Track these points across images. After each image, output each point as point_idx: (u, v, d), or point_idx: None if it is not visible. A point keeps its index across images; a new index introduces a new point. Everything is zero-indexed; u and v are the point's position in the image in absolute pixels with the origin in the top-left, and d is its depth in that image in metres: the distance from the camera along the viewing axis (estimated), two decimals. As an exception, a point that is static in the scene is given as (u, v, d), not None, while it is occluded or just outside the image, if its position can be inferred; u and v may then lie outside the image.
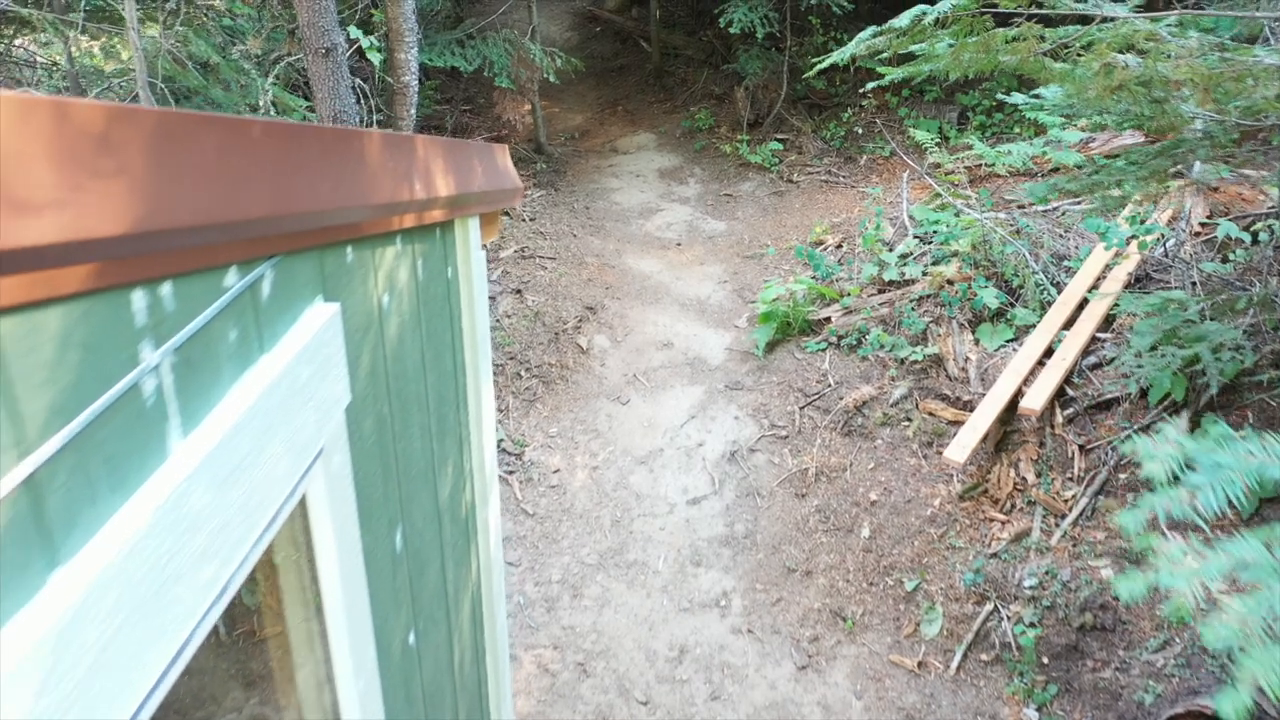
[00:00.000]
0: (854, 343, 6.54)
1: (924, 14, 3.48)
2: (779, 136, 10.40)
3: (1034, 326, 6.02)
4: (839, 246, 8.00)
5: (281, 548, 1.37)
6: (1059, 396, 5.44)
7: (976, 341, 6.13)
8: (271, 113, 5.25)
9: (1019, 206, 7.63)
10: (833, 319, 6.79)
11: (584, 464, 6.36)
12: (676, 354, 7.24)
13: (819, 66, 4.17)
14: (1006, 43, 3.19)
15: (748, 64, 10.21)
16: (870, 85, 5.00)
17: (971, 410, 5.71)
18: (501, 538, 2.88)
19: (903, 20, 3.50)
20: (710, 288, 8.03)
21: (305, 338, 1.31)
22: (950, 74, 3.73)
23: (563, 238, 8.76)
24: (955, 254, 6.45)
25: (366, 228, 1.59)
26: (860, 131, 10.08)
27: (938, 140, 9.72)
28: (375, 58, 6.36)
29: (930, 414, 5.85)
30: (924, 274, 6.80)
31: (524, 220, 8.97)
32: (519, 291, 7.76)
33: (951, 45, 3.47)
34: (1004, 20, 3.52)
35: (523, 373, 7.11)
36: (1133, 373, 4.73)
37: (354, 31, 6.31)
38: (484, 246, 2.56)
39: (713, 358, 7.11)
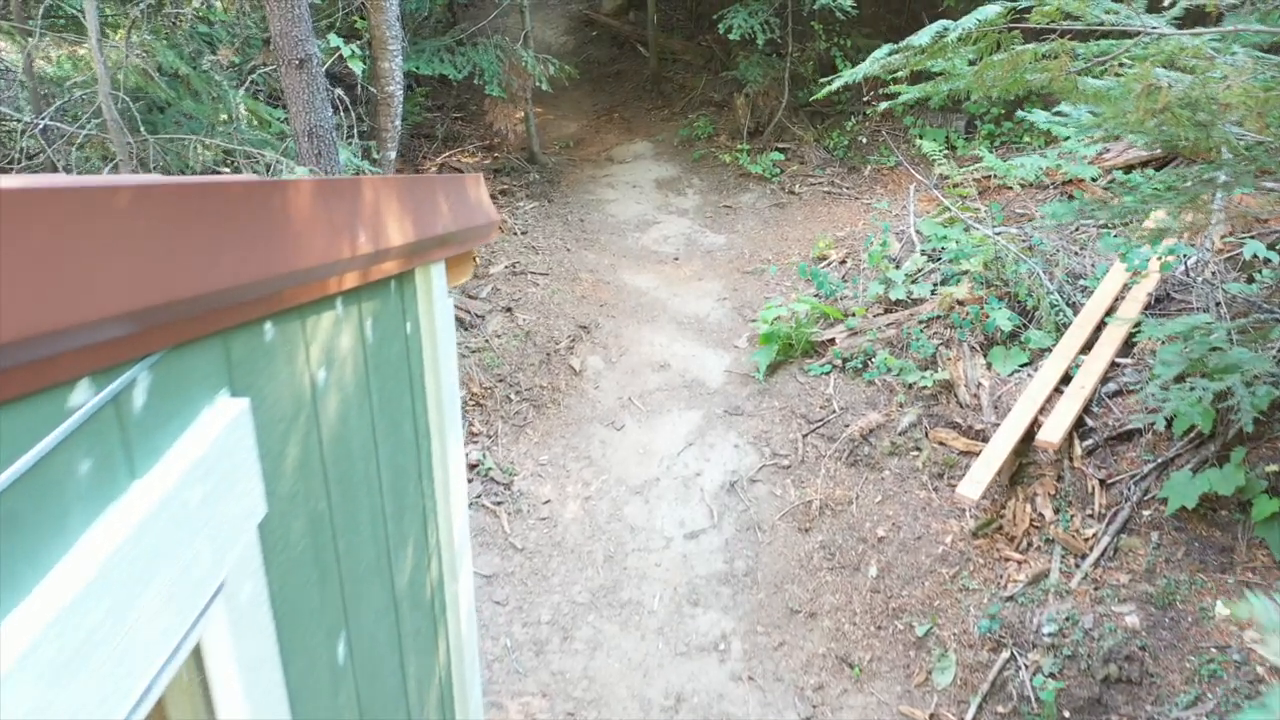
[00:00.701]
0: (859, 366, 6.30)
1: (946, 30, 3.24)
2: (780, 146, 10.17)
3: (1049, 350, 5.78)
4: (843, 262, 7.76)
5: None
6: (1078, 427, 5.20)
7: (989, 366, 5.89)
8: (244, 126, 5.01)
9: (1030, 220, 7.40)
10: (837, 340, 6.54)
11: (576, 494, 6.11)
12: (674, 376, 7.00)
13: (828, 89, 3.92)
14: (1035, 60, 2.95)
15: (748, 71, 9.98)
16: (883, 105, 4.76)
17: (984, 440, 5.46)
18: (474, 610, 2.62)
19: (923, 38, 3.26)
20: (709, 305, 7.79)
21: (200, 448, 1.06)
22: (971, 93, 3.49)
23: (555, 252, 8.52)
24: (966, 274, 6.20)
25: (292, 296, 1.34)
26: (864, 141, 9.85)
27: (945, 150, 9.49)
28: (357, 67, 6.13)
29: (941, 443, 5.61)
30: (932, 293, 6.56)
31: (515, 234, 8.73)
32: (509, 310, 7.52)
33: (974, 63, 3.23)
34: (1032, 36, 3.29)
35: (512, 396, 6.86)
36: (1159, 406, 4.48)
37: (334, 40, 6.08)
38: (452, 291, 2.32)
39: (711, 380, 6.87)
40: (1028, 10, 3.20)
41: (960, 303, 6.09)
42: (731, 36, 9.03)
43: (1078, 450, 5.11)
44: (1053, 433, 4.97)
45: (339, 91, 6.36)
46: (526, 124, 10.44)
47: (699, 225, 9.14)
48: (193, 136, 4.92)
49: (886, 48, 3.56)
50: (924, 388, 5.84)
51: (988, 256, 6.15)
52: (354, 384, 1.62)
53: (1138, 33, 2.83)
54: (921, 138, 9.65)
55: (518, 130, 10.50)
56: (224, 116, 5.18)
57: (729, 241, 8.76)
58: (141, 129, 4.86)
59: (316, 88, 4.92)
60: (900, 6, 11.49)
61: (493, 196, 9.39)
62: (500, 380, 6.95)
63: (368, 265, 1.60)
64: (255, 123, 5.40)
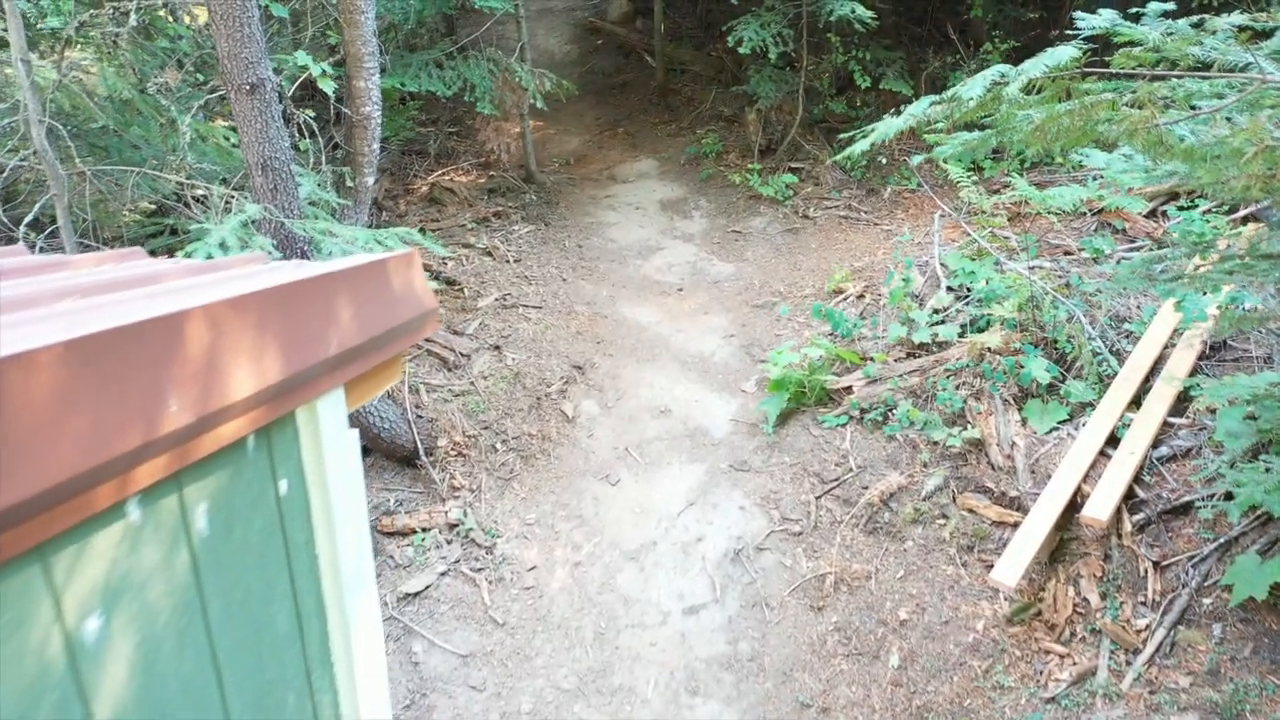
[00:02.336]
0: (879, 418, 5.82)
1: (1004, 79, 2.77)
2: (793, 165, 9.72)
3: (1092, 405, 5.30)
4: (861, 297, 7.29)
5: None
6: (1127, 498, 4.71)
7: (1024, 422, 5.41)
8: (190, 156, 4.58)
9: (1067, 253, 6.92)
10: (854, 389, 6.07)
11: (565, 559, 5.65)
12: (675, 423, 6.53)
13: (852, 151, 3.43)
14: (1113, 110, 2.50)
15: (759, 85, 9.53)
16: (917, 158, 4.28)
17: (1020, 509, 4.98)
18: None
19: (974, 89, 2.80)
20: (714, 342, 7.33)
21: None
22: (1029, 148, 3.03)
23: (550, 282, 8.08)
24: (1000, 321, 5.72)
25: (15, 540, 0.89)
26: (884, 161, 9.38)
27: (971, 170, 9.02)
28: (329, 87, 5.72)
29: (970, 511, 5.12)
30: (960, 336, 6.08)
31: (508, 262, 8.30)
32: (498, 348, 7.08)
33: (1031, 115, 2.77)
34: (1106, 81, 2.83)
35: (499, 445, 6.41)
36: (1220, 476, 3.99)
37: (302, 58, 5.67)
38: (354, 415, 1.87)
39: (716, 429, 6.40)
40: (1107, 51, 2.76)
41: (991, 350, 5.61)
42: (741, 51, 8.58)
43: (1127, 526, 4.61)
44: (1100, 508, 4.48)
45: (307, 114, 5.95)
46: (523, 141, 10.01)
47: (705, 252, 8.68)
48: (135, 169, 4.50)
49: (926, 100, 3.10)
50: (951, 446, 5.36)
51: (1022, 299, 5.67)
52: (169, 607, 1.16)
53: (1261, 81, 2.37)
54: (946, 159, 9.18)
55: (513, 148, 10.08)
56: (175, 144, 4.76)
57: (737, 271, 8.30)
58: (77, 159, 4.44)
59: (271, 115, 4.49)
60: (923, 15, 11.05)
61: (486, 219, 8.98)
62: (485, 428, 6.50)
63: (188, 440, 1.15)
64: (203, 153, 4.98)
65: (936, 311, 6.41)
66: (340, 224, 5.00)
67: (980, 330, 6.14)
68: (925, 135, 3.82)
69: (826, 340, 6.58)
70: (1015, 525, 4.93)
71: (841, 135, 4.02)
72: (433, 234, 8.86)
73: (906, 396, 5.85)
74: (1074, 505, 4.74)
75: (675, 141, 11.16)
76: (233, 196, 4.57)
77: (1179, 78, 2.61)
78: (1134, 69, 2.67)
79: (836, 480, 5.62)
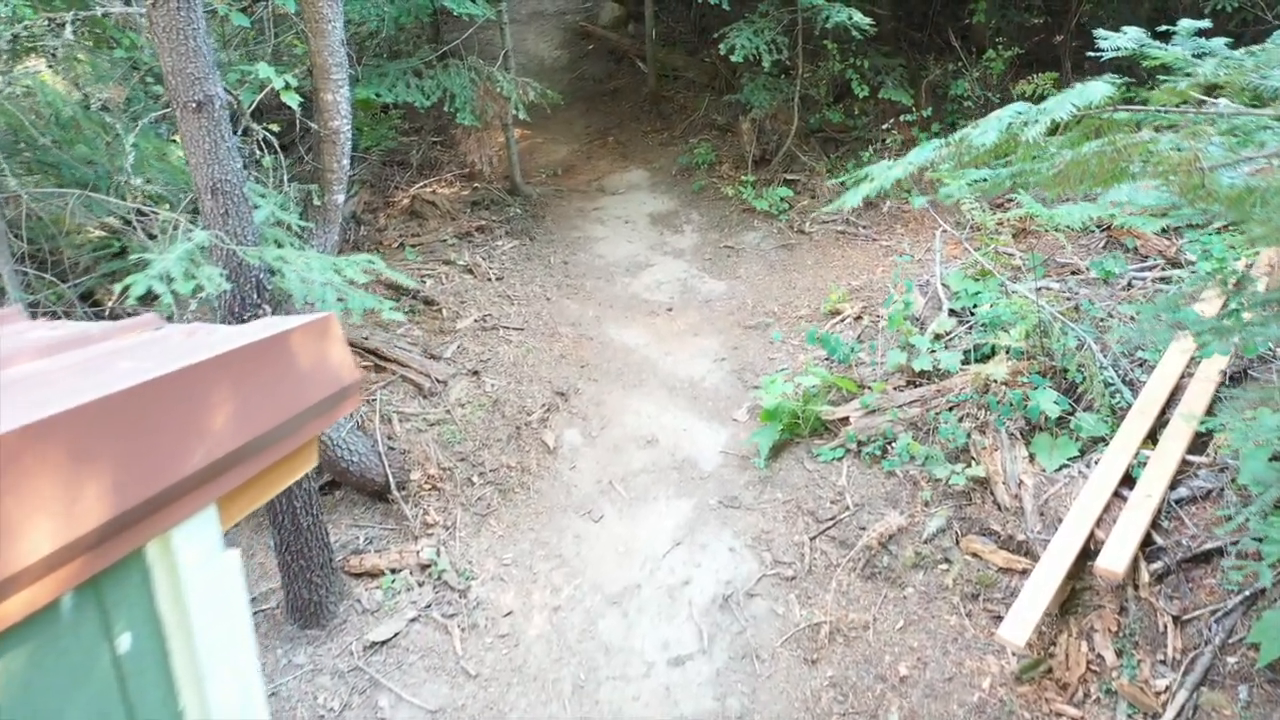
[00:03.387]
0: (877, 452, 5.55)
1: (1024, 119, 2.48)
2: (789, 177, 9.45)
3: (1104, 441, 5.02)
4: (858, 318, 7.02)
5: None
6: (1145, 544, 4.43)
7: (1032, 458, 5.13)
8: (136, 178, 4.30)
9: (1075, 273, 6.65)
10: (851, 419, 5.79)
11: (543, 603, 5.36)
12: (662, 454, 6.25)
13: (845, 201, 3.07)
14: (1148, 152, 2.22)
15: (753, 94, 9.26)
16: (920, 200, 4.00)
17: (1028, 555, 4.71)
18: None
19: (987, 134, 2.50)
20: (705, 366, 7.05)
21: None
22: (1050, 191, 2.76)
23: (534, 301, 7.80)
24: (1005, 350, 5.45)
25: None
26: (883, 174, 9.10)
27: (974, 180, 8.76)
28: (292, 101, 5.44)
29: (975, 555, 4.84)
30: (963, 363, 5.81)
31: (489, 280, 8.02)
32: (476, 373, 6.80)
33: (1054, 157, 2.49)
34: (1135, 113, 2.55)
35: (475, 478, 6.13)
36: (1259, 540, 3.72)
37: (264, 70, 5.39)
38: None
39: (705, 461, 6.12)
40: (1131, 73, 2.48)
41: (996, 381, 5.34)
42: (734, 59, 8.31)
43: (1145, 576, 4.33)
44: (1115, 558, 4.20)
45: (270, 129, 5.67)
46: (508, 152, 9.74)
47: (696, 269, 8.41)
48: (78, 190, 4.22)
49: (933, 144, 2.81)
50: (954, 484, 5.08)
51: (1029, 326, 5.40)
52: None
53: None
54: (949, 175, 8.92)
55: (496, 160, 9.80)
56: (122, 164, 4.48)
57: (729, 289, 8.02)
58: (12, 182, 4.16)
59: (220, 135, 4.21)
60: (922, 20, 10.80)
61: (468, 234, 8.71)
62: (462, 459, 6.22)
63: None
64: (165, 170, 4.70)
65: (938, 337, 6.13)
66: (298, 249, 4.72)
67: (984, 358, 5.87)
68: (931, 173, 3.53)
69: (822, 368, 6.30)
70: (1023, 572, 4.66)
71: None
72: (412, 249, 8.59)
73: (906, 429, 5.58)
74: (1087, 551, 4.46)
75: (667, 151, 10.90)
76: (179, 222, 4.29)
77: (1228, 116, 2.33)
78: (1178, 105, 2.39)
79: (832, 520, 5.34)
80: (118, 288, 3.83)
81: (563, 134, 11.90)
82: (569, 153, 11.38)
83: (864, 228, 8.62)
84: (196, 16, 4.00)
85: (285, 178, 5.37)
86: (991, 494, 5.06)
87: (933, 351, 5.96)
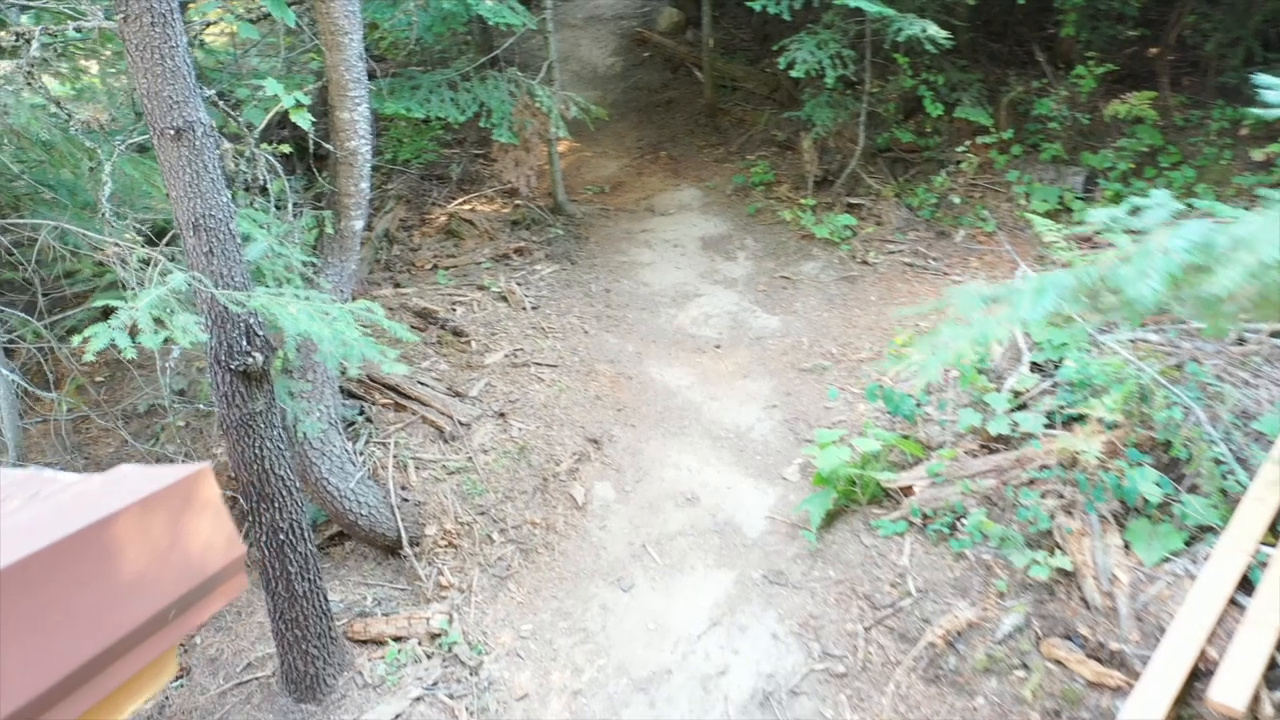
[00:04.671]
0: (945, 529, 4.95)
1: (1204, 255, 1.91)
2: (852, 201, 8.85)
3: (1214, 531, 4.37)
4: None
5: None
6: (1269, 668, 3.78)
7: (1127, 547, 4.49)
8: (107, 210, 3.90)
9: (1177, 322, 5.96)
10: (915, 489, 5.20)
11: (562, 685, 4.87)
12: (702, 515, 5.72)
13: (926, 373, 2.47)
14: None
15: (815, 111, 8.69)
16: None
17: (1123, 668, 4.08)
18: None
19: (1144, 285, 1.91)
20: (754, 414, 6.50)
21: None
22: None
23: (570, 334, 7.32)
24: (1098, 420, 4.81)
25: None
26: (957, 201, 8.46)
27: (1058, 209, 8.10)
28: (304, 121, 5.04)
29: (1058, 663, 4.23)
30: (1046, 427, 5.19)
31: (524, 309, 7.56)
32: (503, 415, 6.34)
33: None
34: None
35: (495, 535, 5.67)
36: None
37: (273, 86, 5.00)
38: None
39: (750, 526, 5.58)
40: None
41: (1086, 454, 4.70)
42: (794, 74, 7.75)
43: (1268, 709, 3.68)
44: (1233, 690, 3.56)
45: (282, 149, 5.28)
46: (551, 167, 9.29)
47: (749, 301, 7.86)
48: (49, 222, 3.84)
49: (1056, 283, 2.23)
50: (1035, 576, 4.47)
51: (1127, 393, 4.76)
52: None
53: None
54: (1028, 197, 8.27)
55: (538, 177, 9.36)
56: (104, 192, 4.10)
57: (784, 325, 7.45)
58: (-18, 216, 3.80)
59: (203, 165, 3.80)
60: (1002, 31, 10.12)
61: (505, 256, 8.30)
62: (482, 513, 5.76)
63: None
64: (126, 203, 4.32)
65: (1017, 394, 5.51)
66: (296, 289, 4.30)
67: (1070, 420, 5.24)
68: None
69: (883, 426, 5.72)
70: (1116, 690, 4.03)
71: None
72: (445, 271, 8.18)
73: (979, 503, 4.97)
74: (1195, 671, 3.83)
75: (722, 169, 10.36)
76: (158, 260, 3.88)
77: None
78: None
79: (891, 607, 4.75)
80: (75, 340, 3.43)
81: (613, 147, 11.44)
82: (618, 168, 10.90)
83: (934, 259, 7.99)
84: (175, 33, 3.59)
85: (291, 204, 4.96)
86: (1079, 589, 4.43)
87: (1011, 411, 5.34)
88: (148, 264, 3.89)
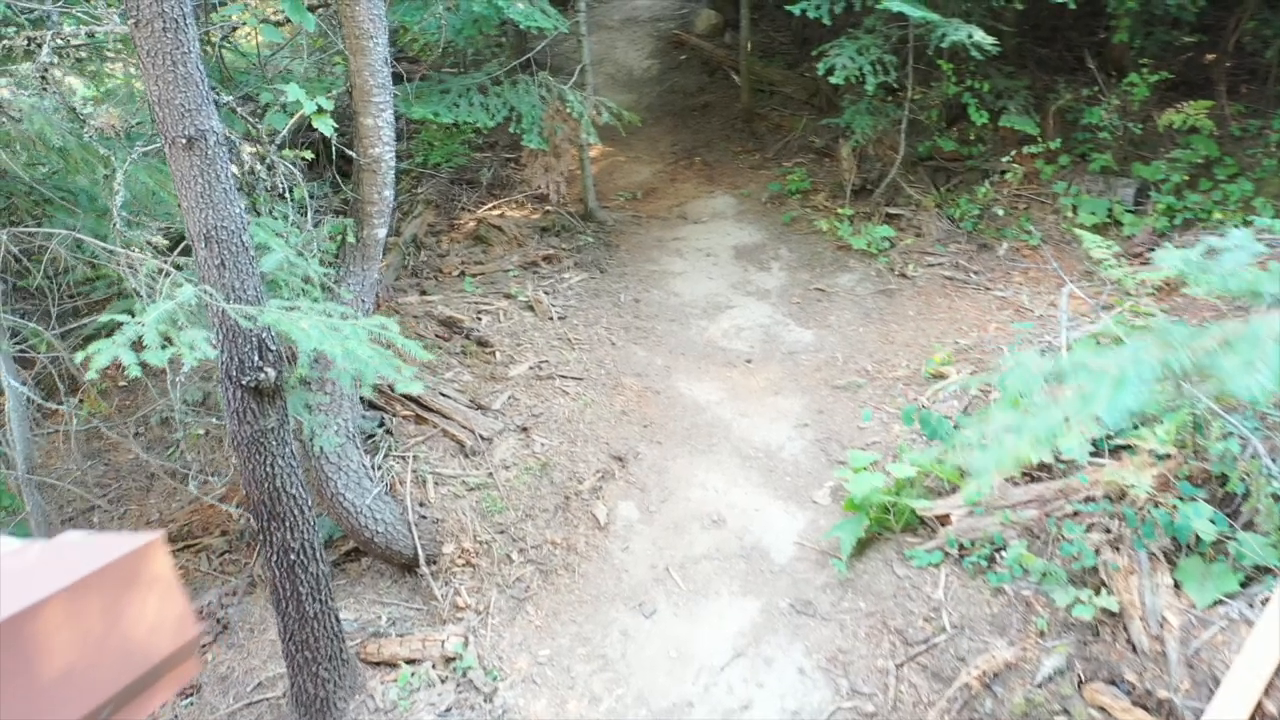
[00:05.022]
0: (982, 561, 4.75)
1: None
2: (891, 211, 8.64)
3: (1272, 573, 4.13)
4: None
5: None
6: (1328, 728, 3.55)
7: (1177, 587, 4.27)
8: (119, 219, 3.82)
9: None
10: (952, 518, 5.00)
11: (579, 716, 4.73)
12: (728, 538, 5.56)
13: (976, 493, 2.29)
14: None
15: (855, 118, 8.49)
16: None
17: (1170, 719, 3.86)
18: None
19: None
20: (784, 432, 6.32)
21: None
22: None
23: (597, 346, 7.18)
24: (1149, 452, 4.59)
25: None
26: (1001, 213, 8.22)
27: (1107, 222, 7.84)
28: (326, 127, 4.95)
29: (1102, 710, 4.01)
30: (1092, 454, 4.97)
31: (550, 319, 7.44)
32: (526, 430, 6.21)
33: None
34: None
35: (515, 555, 5.54)
36: None
37: (294, 91, 4.91)
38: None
39: (778, 551, 5.40)
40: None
41: (1135, 487, 4.48)
42: (833, 80, 7.56)
43: (1330, 770, 3.46)
44: (1293, 751, 3.34)
45: (304, 156, 5.19)
46: (582, 174, 9.17)
47: (782, 314, 7.68)
48: (60, 230, 3.77)
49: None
50: (1078, 615, 4.26)
51: (1180, 424, 4.53)
52: None
53: None
54: (1076, 209, 8.01)
55: (568, 183, 9.23)
56: (118, 199, 4.03)
57: (818, 340, 7.27)
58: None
59: (215, 175, 3.71)
60: (1051, 35, 9.85)
61: (534, 264, 8.20)
62: (501, 531, 5.64)
63: None
64: (142, 213, 4.25)
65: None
66: (313, 302, 4.20)
67: (1117, 448, 5.02)
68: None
69: (919, 450, 5.52)
70: (1165, 743, 3.82)
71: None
72: (472, 279, 8.08)
73: (1020, 535, 4.76)
74: (1251, 726, 3.60)
75: (757, 175, 10.19)
76: (169, 271, 3.80)
77: None
78: None
79: (924, 643, 4.56)
80: (79, 356, 3.34)
81: (647, 152, 11.30)
82: (652, 174, 10.76)
83: (975, 273, 7.76)
84: (188, 39, 3.50)
85: (310, 212, 4.87)
86: (1125, 631, 4.22)
87: (1055, 439, 5.12)
88: (160, 275, 3.80)
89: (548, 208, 9.34)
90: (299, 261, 4.49)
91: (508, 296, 7.75)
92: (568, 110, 7.66)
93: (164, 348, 3.46)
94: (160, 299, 3.65)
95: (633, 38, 14.89)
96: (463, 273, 8.29)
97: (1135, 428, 4.86)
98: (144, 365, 3.22)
